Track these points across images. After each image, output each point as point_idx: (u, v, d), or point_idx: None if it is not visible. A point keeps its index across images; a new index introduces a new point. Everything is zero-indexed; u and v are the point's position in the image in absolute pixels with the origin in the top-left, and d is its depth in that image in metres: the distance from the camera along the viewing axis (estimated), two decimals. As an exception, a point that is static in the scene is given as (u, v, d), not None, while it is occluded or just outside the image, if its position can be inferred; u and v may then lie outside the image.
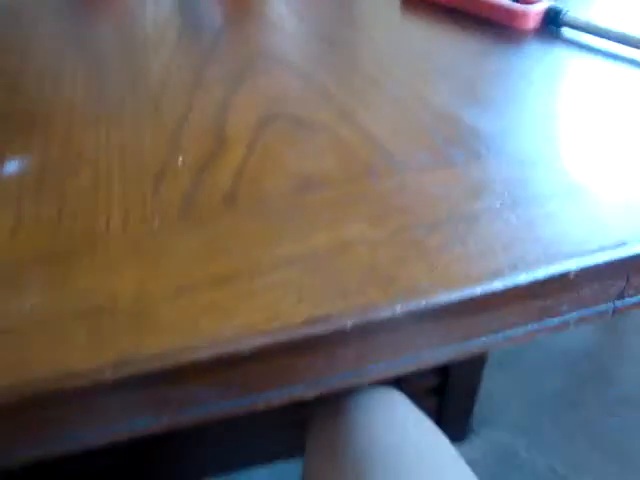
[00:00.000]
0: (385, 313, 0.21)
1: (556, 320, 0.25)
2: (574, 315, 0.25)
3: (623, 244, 0.23)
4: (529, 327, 0.25)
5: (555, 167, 0.29)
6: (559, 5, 0.45)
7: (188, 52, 0.45)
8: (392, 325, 0.22)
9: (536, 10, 0.45)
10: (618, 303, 0.26)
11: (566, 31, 0.45)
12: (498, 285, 0.22)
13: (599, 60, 0.42)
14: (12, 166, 0.33)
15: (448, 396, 0.97)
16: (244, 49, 0.45)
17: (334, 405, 0.46)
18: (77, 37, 0.49)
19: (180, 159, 0.30)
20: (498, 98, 0.36)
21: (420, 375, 0.91)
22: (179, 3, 0.56)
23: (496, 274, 0.22)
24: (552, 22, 0.46)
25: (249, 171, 0.29)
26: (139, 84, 0.40)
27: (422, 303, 0.21)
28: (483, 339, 0.25)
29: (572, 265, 0.23)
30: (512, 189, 0.27)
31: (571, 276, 0.23)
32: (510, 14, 0.46)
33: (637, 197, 0.26)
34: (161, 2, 0.56)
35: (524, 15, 0.45)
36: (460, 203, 0.26)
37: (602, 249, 0.23)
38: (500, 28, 0.46)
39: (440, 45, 0.45)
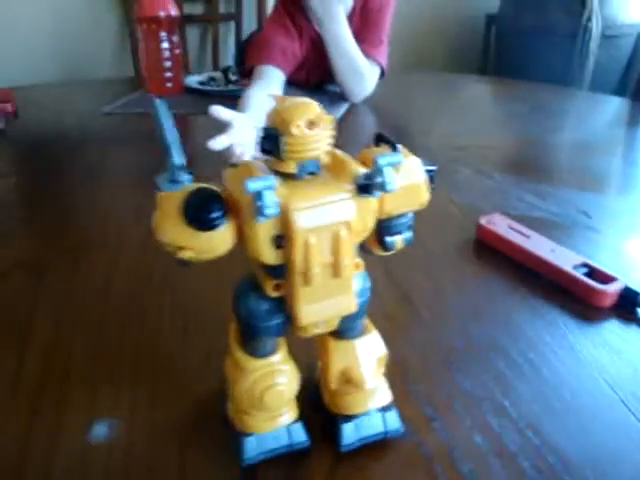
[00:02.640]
0: None
1: None
2: None
3: None
4: None
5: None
6: (633, 287, 0.47)
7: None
8: None
9: (613, 290, 0.47)
10: None
11: (642, 313, 0.47)
12: None
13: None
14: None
15: None
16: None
17: None
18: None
19: None
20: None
21: None
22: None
23: None
24: (627, 302, 0.47)
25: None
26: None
27: None
28: None
29: None
30: None
31: None
32: (588, 291, 0.48)
33: None
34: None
35: (602, 294, 0.47)
36: None
37: None
38: (574, 299, 0.48)
39: (515, 320, 0.46)
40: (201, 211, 0.24)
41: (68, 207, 0.67)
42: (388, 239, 0.29)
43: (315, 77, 1.16)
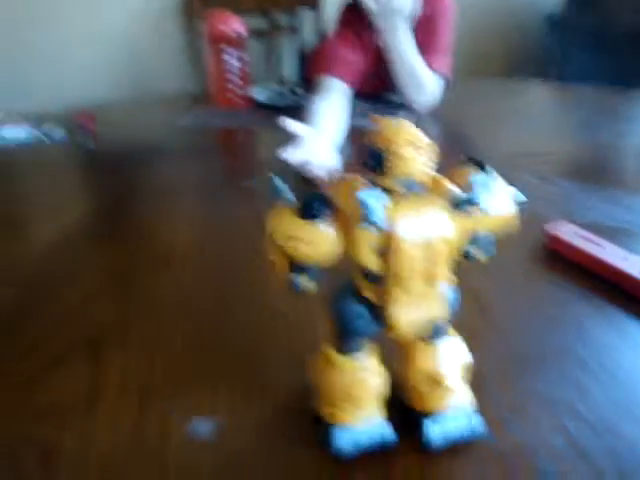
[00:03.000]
0: None
1: None
2: None
3: None
4: None
5: None
6: None
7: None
8: None
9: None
10: None
11: None
12: None
13: None
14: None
15: None
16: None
17: None
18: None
19: None
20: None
21: None
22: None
23: None
24: None
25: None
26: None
27: None
28: None
29: None
30: None
31: None
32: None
33: None
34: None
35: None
36: None
37: None
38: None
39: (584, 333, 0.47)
40: (308, 203, 0.29)
41: (149, 221, 0.72)
42: (472, 251, 0.31)
43: (378, 87, 1.19)
